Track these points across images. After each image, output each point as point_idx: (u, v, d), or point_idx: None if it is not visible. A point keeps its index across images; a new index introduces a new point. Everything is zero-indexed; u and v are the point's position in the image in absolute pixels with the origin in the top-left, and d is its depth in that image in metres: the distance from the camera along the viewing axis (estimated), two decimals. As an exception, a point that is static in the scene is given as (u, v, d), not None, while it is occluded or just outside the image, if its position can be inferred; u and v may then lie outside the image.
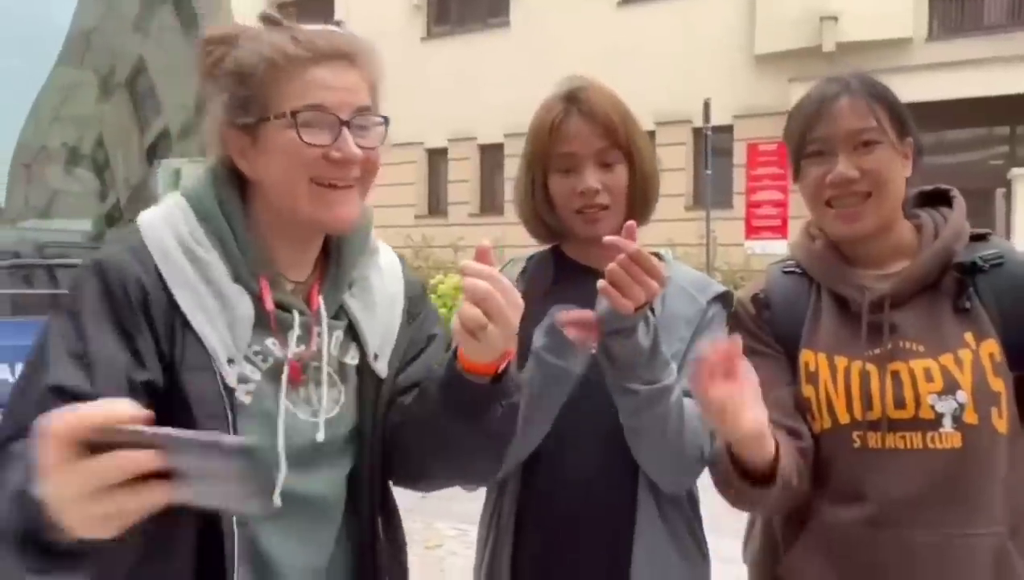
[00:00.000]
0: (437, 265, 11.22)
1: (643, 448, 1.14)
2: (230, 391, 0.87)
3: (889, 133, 1.13)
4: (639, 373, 1.08)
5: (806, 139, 1.17)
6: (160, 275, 0.85)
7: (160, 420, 0.74)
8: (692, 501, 1.26)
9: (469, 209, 14.85)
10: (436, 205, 15.38)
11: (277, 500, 0.88)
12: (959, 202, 1.21)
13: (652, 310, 1.11)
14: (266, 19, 0.91)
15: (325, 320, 0.92)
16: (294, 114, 0.83)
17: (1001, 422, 1.09)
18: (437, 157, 15.40)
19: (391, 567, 1.02)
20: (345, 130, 0.84)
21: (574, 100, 1.17)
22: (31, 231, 2.96)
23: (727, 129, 12.10)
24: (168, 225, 0.89)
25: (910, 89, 7.20)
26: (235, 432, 0.85)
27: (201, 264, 0.87)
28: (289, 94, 0.84)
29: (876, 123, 1.12)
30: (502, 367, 0.85)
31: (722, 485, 1.11)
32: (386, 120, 0.90)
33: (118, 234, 0.96)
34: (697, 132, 11.75)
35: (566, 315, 1.09)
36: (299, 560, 0.93)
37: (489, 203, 14.71)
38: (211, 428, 0.82)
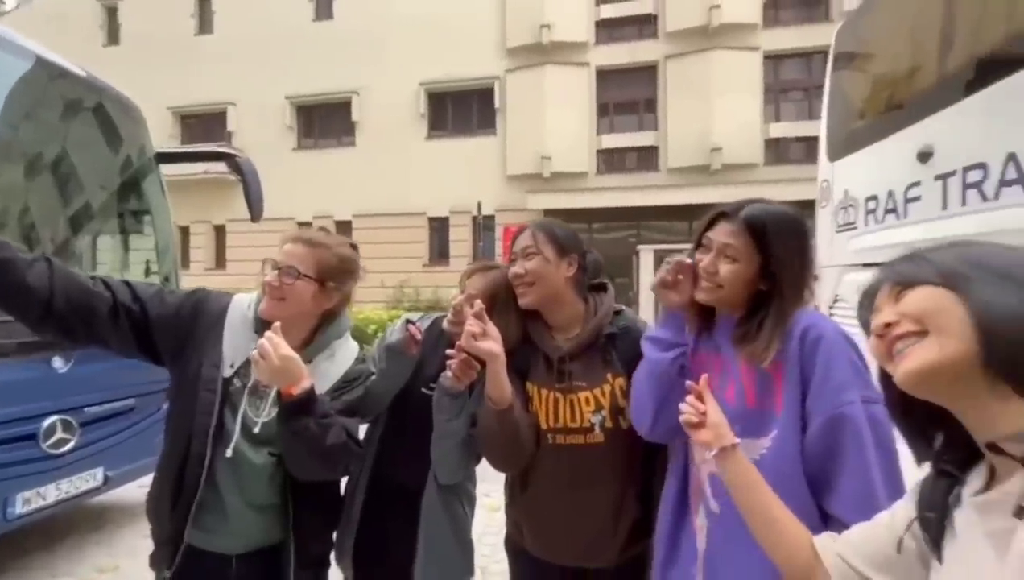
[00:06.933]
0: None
1: (434, 444, 1.60)
2: (227, 381, 1.41)
3: (544, 250, 1.50)
4: (444, 409, 1.57)
5: None
6: (225, 316, 1.47)
7: (172, 375, 1.46)
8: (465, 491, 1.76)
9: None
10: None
11: (229, 452, 1.38)
12: (611, 291, 1.59)
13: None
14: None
15: None
16: (265, 261, 1.46)
17: (626, 424, 1.44)
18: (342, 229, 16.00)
19: (305, 517, 1.49)
20: (275, 271, 1.42)
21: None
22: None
23: (491, 217, 15.02)
24: (244, 300, 1.51)
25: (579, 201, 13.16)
26: (221, 404, 1.39)
27: (242, 318, 1.48)
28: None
29: (533, 243, 1.51)
30: (297, 393, 1.30)
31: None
32: (299, 273, 1.41)
33: (224, 292, 1.56)
34: (474, 219, 14.23)
35: (416, 330, 1.60)
36: (236, 494, 1.42)
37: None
38: (203, 396, 1.38)
